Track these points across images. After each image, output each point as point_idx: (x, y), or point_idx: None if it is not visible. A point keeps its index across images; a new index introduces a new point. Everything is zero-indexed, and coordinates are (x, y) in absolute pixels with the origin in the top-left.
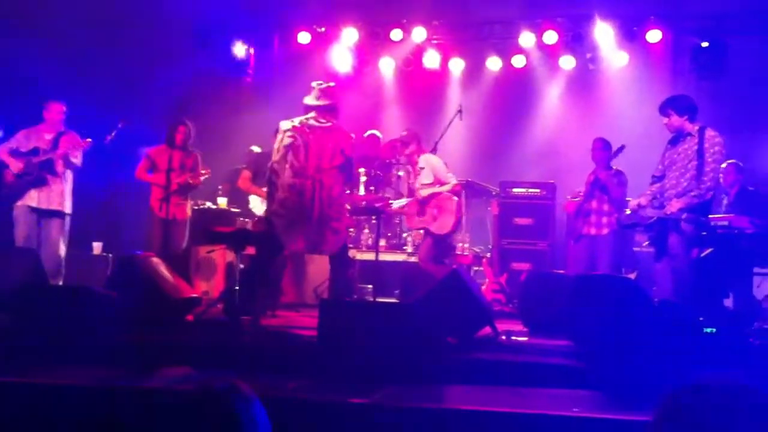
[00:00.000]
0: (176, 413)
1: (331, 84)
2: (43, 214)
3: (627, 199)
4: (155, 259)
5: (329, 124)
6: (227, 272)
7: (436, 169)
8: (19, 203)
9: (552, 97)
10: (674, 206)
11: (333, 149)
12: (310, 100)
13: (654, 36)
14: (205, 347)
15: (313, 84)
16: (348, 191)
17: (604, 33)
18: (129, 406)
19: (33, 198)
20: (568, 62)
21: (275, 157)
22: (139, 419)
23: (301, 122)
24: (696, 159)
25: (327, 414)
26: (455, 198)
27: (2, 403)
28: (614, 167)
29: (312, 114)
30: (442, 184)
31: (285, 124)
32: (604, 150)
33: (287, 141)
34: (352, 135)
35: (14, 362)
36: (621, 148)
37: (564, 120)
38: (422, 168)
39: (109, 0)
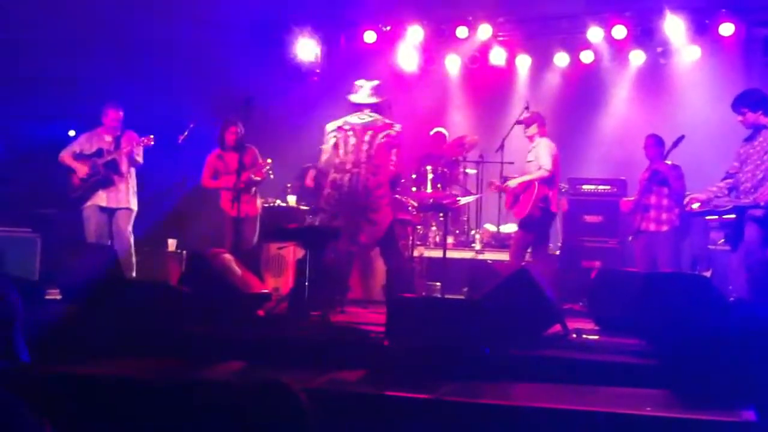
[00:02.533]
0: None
1: (380, 82)
2: (112, 212)
3: (687, 193)
4: (226, 256)
5: (370, 118)
6: (297, 269)
7: (538, 153)
8: (89, 203)
9: (622, 92)
10: (766, 195)
11: (370, 142)
12: (360, 98)
13: (726, 29)
14: (274, 342)
15: (360, 83)
16: (415, 188)
17: (674, 27)
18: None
19: (102, 198)
20: (637, 57)
21: (322, 158)
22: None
23: (344, 121)
24: None
25: (393, 408)
26: (536, 184)
27: (74, 394)
28: (670, 162)
29: (357, 113)
30: (540, 167)
31: (330, 126)
32: (657, 146)
33: (332, 141)
34: (396, 126)
35: (85, 354)
36: (680, 139)
37: (634, 116)
38: (534, 147)
39: (179, 3)
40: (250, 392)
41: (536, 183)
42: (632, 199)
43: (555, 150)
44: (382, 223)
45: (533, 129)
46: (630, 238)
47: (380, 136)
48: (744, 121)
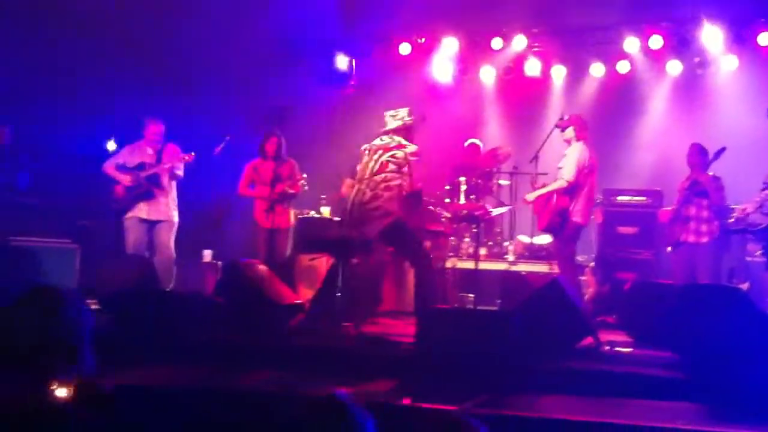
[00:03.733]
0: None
1: (406, 109)
2: (152, 224)
3: (734, 206)
4: (260, 267)
5: (389, 139)
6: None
7: (567, 160)
8: (130, 215)
9: (658, 103)
10: None
11: (377, 160)
12: (387, 125)
13: (765, 39)
14: (306, 352)
15: (386, 112)
16: (448, 199)
17: (712, 36)
18: (245, 409)
19: (142, 210)
20: (674, 67)
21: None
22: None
23: (371, 143)
24: None
25: (419, 420)
26: (555, 195)
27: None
28: (711, 173)
29: (382, 135)
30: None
31: (363, 147)
32: (700, 155)
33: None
34: (408, 147)
35: (119, 364)
36: (721, 150)
37: (671, 127)
38: (567, 153)
39: (214, 17)
40: (299, 405)
41: (555, 194)
42: (671, 209)
43: (587, 158)
44: (368, 234)
45: (570, 132)
46: (669, 249)
47: (387, 155)
48: None
